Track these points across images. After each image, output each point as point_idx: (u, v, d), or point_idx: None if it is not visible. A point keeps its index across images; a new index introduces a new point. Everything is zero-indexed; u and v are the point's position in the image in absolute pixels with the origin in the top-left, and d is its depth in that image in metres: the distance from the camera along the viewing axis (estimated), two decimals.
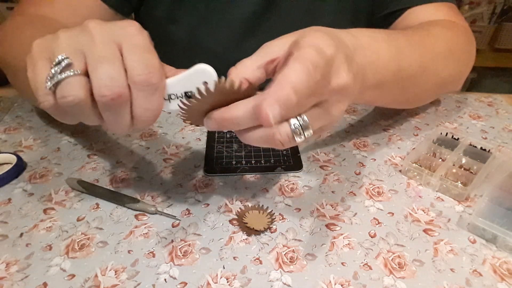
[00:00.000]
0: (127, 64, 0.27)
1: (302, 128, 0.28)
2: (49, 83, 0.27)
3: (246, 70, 0.31)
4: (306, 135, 0.29)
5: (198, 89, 0.27)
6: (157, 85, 0.28)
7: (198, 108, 0.30)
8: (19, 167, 0.46)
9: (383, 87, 0.40)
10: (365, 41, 0.36)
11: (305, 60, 0.26)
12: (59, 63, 0.26)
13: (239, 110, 0.28)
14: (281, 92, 0.25)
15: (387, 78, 0.40)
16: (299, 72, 0.26)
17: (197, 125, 0.32)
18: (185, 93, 0.30)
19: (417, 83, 0.47)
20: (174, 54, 0.62)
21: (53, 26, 0.48)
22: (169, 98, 0.30)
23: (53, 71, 0.27)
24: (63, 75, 0.26)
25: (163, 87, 0.29)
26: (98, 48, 0.27)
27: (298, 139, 0.29)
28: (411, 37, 0.45)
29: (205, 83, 0.29)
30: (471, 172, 0.45)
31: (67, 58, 0.27)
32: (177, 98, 0.30)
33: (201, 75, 0.29)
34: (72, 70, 0.26)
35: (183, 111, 0.30)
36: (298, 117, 0.28)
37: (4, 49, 0.47)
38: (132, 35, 0.28)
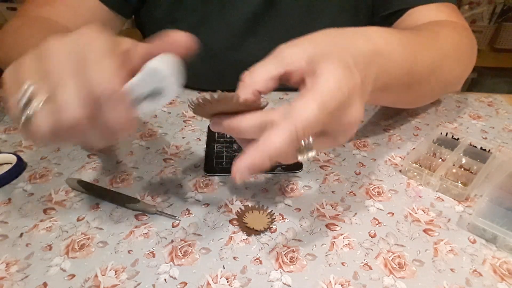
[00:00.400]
0: (85, 79, 0.26)
1: (306, 149, 0.29)
2: (22, 118, 0.26)
3: (259, 80, 0.31)
4: (309, 155, 0.29)
5: (205, 96, 0.27)
6: (116, 95, 0.26)
7: (206, 109, 0.30)
8: (19, 167, 0.46)
9: (390, 89, 0.41)
10: (381, 46, 0.36)
11: (318, 100, 0.27)
12: (25, 91, 0.26)
13: (246, 123, 0.29)
14: (290, 128, 0.26)
15: (395, 81, 0.40)
16: (310, 111, 0.26)
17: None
18: (149, 94, 0.28)
19: (423, 85, 0.47)
20: None
21: (54, 27, 0.48)
22: (136, 101, 0.29)
23: (22, 104, 0.26)
24: (30, 110, 0.26)
25: (124, 95, 0.27)
26: (55, 70, 0.26)
27: (300, 158, 0.29)
28: (423, 40, 0.45)
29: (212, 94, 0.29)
30: (471, 172, 0.45)
31: (31, 85, 0.26)
32: (144, 100, 0.29)
33: (155, 74, 0.28)
34: (37, 100, 0.26)
35: (193, 106, 0.30)
36: (305, 139, 0.29)
37: (4, 50, 0.48)
38: (85, 45, 0.26)
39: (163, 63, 0.28)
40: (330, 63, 0.29)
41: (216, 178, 0.45)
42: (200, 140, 0.52)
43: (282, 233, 0.38)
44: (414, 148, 0.51)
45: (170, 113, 0.59)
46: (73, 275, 0.34)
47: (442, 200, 0.42)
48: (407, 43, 0.41)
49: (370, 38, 0.35)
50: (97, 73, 0.25)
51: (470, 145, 0.48)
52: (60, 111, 0.25)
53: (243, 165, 0.26)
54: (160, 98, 0.29)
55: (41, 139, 0.27)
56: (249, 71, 0.32)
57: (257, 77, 0.31)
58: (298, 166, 0.47)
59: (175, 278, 0.33)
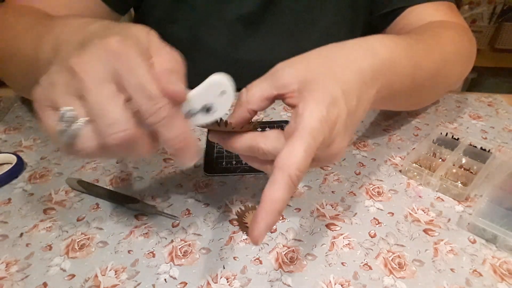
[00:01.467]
0: (132, 99, 0.25)
1: None
2: (63, 138, 0.26)
3: (253, 100, 0.32)
4: None
5: (217, 122, 0.29)
6: (171, 114, 0.26)
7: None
8: (19, 167, 0.46)
9: (394, 97, 0.40)
10: (386, 57, 0.35)
11: (304, 144, 0.27)
12: (63, 116, 0.25)
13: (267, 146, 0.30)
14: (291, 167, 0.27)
15: (399, 89, 0.40)
16: (299, 157, 0.27)
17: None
18: (203, 106, 0.29)
19: (425, 90, 0.47)
20: None
21: (45, 16, 0.46)
22: (188, 114, 0.29)
23: (62, 127, 0.26)
24: (72, 131, 0.25)
25: (178, 110, 0.27)
26: (92, 93, 0.25)
27: None
28: (426, 46, 0.44)
29: (220, 120, 0.29)
30: (471, 172, 0.45)
31: (70, 110, 0.25)
32: (196, 113, 0.29)
33: (216, 87, 0.28)
34: (78, 123, 0.25)
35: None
36: None
37: None
38: (126, 60, 0.25)
39: (225, 79, 0.28)
40: (314, 99, 0.29)
41: (216, 178, 0.45)
42: (200, 140, 0.52)
43: (282, 233, 0.38)
44: (414, 148, 0.51)
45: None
46: (73, 275, 0.34)
47: (442, 200, 0.42)
48: (410, 51, 0.40)
49: (375, 50, 0.35)
50: (144, 96, 0.25)
51: (470, 145, 0.48)
52: (109, 130, 0.25)
53: (262, 230, 0.27)
54: (209, 114, 0.29)
55: (86, 156, 0.26)
56: (246, 89, 0.32)
57: (252, 97, 0.32)
58: None
59: (175, 278, 0.33)
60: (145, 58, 0.26)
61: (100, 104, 0.25)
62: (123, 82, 0.25)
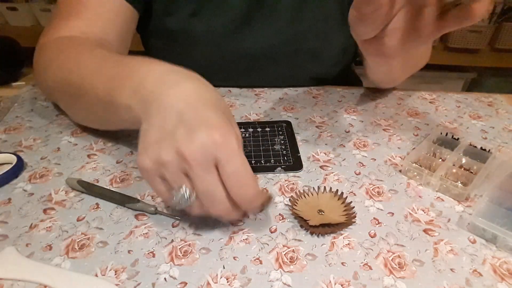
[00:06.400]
0: (228, 188, 0.32)
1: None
2: (178, 206, 0.34)
3: None
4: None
5: None
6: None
7: None
8: (19, 167, 0.46)
9: None
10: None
11: None
12: (181, 194, 0.33)
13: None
14: None
15: None
16: None
17: None
18: None
19: None
20: (170, 45, 0.62)
21: (110, 56, 0.47)
22: None
23: (177, 200, 0.33)
24: (186, 203, 0.33)
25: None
26: (200, 179, 0.32)
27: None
28: None
29: None
30: (471, 172, 0.45)
31: (186, 190, 0.33)
32: None
33: None
34: (189, 198, 0.33)
35: None
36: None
37: (58, 74, 0.48)
38: (225, 151, 0.31)
39: None
40: None
41: None
42: None
43: (282, 233, 0.38)
44: (414, 148, 0.51)
45: None
46: None
47: (442, 200, 0.42)
48: None
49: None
50: (243, 193, 0.33)
51: (470, 145, 0.48)
52: (213, 207, 0.33)
53: None
54: None
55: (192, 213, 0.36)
56: None
57: None
58: (298, 166, 0.47)
59: (175, 278, 0.33)
60: (241, 149, 0.32)
61: (206, 188, 0.32)
62: (222, 168, 0.31)
